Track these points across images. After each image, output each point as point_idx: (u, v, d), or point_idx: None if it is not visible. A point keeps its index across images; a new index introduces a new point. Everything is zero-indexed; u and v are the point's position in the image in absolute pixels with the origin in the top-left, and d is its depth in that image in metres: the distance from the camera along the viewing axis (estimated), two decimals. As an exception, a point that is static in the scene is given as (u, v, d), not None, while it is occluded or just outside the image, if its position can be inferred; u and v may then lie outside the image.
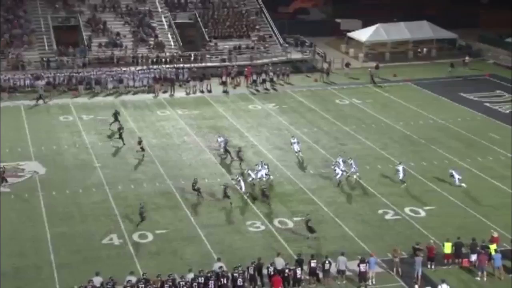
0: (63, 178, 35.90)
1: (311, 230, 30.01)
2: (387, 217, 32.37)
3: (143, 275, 25.70)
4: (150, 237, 30.12)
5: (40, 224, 30.95)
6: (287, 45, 61.74)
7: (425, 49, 64.35)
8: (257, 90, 53.77)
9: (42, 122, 45.15)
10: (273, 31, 62.95)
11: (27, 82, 51.70)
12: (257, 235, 30.65)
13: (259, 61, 58.25)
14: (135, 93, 52.47)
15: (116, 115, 43.39)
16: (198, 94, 52.82)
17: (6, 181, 33.78)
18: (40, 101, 48.90)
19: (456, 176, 35.36)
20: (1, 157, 38.40)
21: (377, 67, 57.35)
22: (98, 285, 24.92)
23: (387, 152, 40.55)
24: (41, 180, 35.75)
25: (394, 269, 27.56)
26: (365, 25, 67.18)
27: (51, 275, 26.84)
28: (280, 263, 26.70)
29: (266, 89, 53.96)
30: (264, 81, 54.80)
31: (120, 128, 41.40)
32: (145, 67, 55.24)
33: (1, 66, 53.36)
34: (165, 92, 52.58)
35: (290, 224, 31.48)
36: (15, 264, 27.51)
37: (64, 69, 54.05)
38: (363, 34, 64.80)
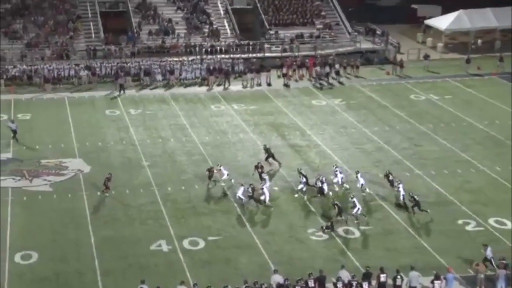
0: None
1: (339, 211, 31.27)
2: (468, 228, 31.66)
3: (194, 285, 25.92)
4: (202, 244, 30.38)
5: (83, 227, 31.63)
6: (356, 33, 61.24)
7: (514, 39, 62.70)
8: (322, 84, 53.51)
9: (87, 116, 46.20)
10: (341, 18, 62.54)
11: (72, 72, 52.98)
12: (319, 244, 30.49)
13: (324, 52, 57.97)
14: (187, 86, 53.06)
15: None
16: (256, 87, 52.96)
17: (108, 188, 34.09)
18: (121, 92, 50.12)
19: None
20: (43, 154, 39.51)
21: (468, 61, 56.07)
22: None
23: (469, 154, 39.67)
24: (85, 179, 36.55)
25: (477, 288, 26.94)
26: (445, 11, 65.92)
27: (94, 282, 27.39)
28: (344, 276, 26.47)
29: (330, 83, 53.63)
30: (329, 74, 54.49)
31: None
32: (198, 57, 55.81)
33: (45, 55, 54.89)
34: (219, 85, 52.97)
35: (357, 234, 31.18)
36: (56, 269, 28.19)
37: (111, 59, 55.16)
38: (443, 22, 63.53)
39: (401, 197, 33.47)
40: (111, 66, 53.91)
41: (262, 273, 27.53)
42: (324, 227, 31.18)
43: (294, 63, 55.43)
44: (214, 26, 59.95)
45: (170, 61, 54.91)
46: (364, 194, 34.54)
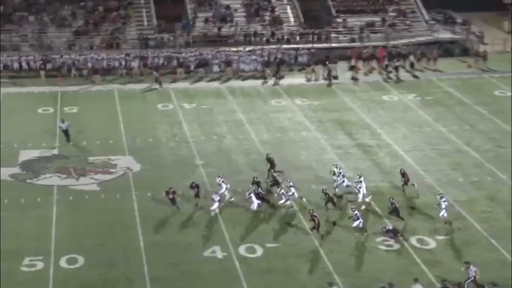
0: (160, 176, 37.07)
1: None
2: (562, 241, 30.89)
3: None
4: (260, 251, 30.48)
5: (132, 230, 32.12)
6: (433, 22, 60.44)
7: None
8: (394, 77, 53.00)
9: (138, 111, 46.94)
10: (417, 5, 61.84)
11: (122, 63, 53.85)
12: (389, 255, 30.23)
13: (397, 42, 57.43)
14: (245, 78, 53.33)
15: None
16: (321, 81, 52.82)
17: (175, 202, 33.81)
18: (157, 85, 50.82)
19: None
20: (91, 150, 40.33)
21: None
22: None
23: (561, 158, 38.73)
24: (135, 178, 37.14)
25: None
26: (536, -4, 64.47)
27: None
28: (416, 290, 26.23)
29: (403, 77, 53.10)
30: (403, 66, 53.91)
31: None
32: (258, 47, 55.98)
33: (94, 44, 55.98)
34: (281, 77, 53.01)
35: (432, 244, 30.78)
36: (102, 275, 28.70)
37: (164, 49, 55.83)
38: (533, 8, 62.17)
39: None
40: (165, 56, 54.57)
41: (324, 285, 27.43)
42: (386, 230, 31.18)
43: (364, 54, 55.04)
44: (276, 13, 60.04)
45: (227, 51, 55.26)
46: (364, 202, 33.80)
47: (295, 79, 52.90)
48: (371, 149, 40.80)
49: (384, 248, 30.64)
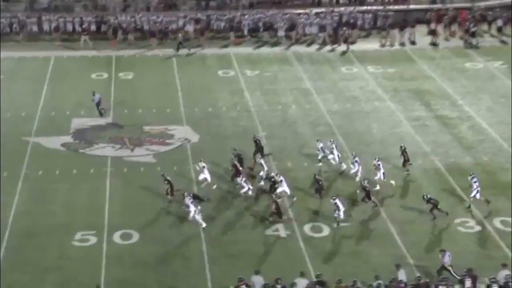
0: (219, 148, 37.29)
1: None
2: None
3: (317, 277, 26.15)
4: (326, 230, 30.52)
5: (189, 205, 32.52)
6: (523, -19, 58.94)
7: None
8: (478, 43, 52.01)
9: (197, 77, 47.26)
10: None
11: (180, 25, 54.05)
12: (469, 237, 29.91)
13: (483, 4, 56.28)
14: (310, 44, 53.01)
15: None
16: (397, 46, 52.23)
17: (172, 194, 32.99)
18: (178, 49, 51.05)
19: None
20: (147, 119, 40.83)
21: None
22: (257, 286, 25.70)
23: None
24: (193, 149, 37.47)
25: None
26: None
27: (201, 269, 28.13)
28: (502, 276, 25.87)
29: (475, 45, 52.19)
30: (485, 31, 52.87)
31: None
32: (328, 9, 55.53)
33: (151, 5, 56.39)
34: (351, 43, 52.60)
35: (517, 227, 30.38)
36: (157, 252, 29.08)
37: (226, 10, 55.88)
38: None
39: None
40: (226, 18, 54.63)
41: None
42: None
43: (445, 17, 54.13)
44: (348, -28, 59.43)
45: (294, 13, 54.99)
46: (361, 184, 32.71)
47: (368, 45, 52.42)
48: (451, 121, 40.24)
49: (464, 230, 30.31)
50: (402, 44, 52.25)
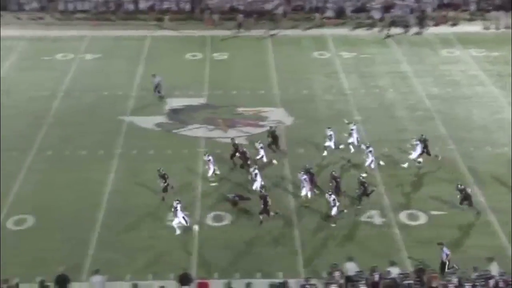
0: (314, 132, 37.16)
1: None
2: None
3: (418, 264, 25.95)
4: (423, 218, 30.13)
5: (281, 189, 32.44)
6: None
7: None
8: None
9: (292, 58, 47.25)
10: None
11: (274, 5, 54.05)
12: None
13: None
14: (406, 26, 52.16)
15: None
16: (503, 29, 50.93)
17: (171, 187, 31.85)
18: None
19: None
20: (240, 100, 41.05)
21: None
22: (351, 273, 25.58)
23: None
24: (287, 132, 37.49)
25: None
26: None
27: (292, 253, 28.14)
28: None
29: None
30: None
31: None
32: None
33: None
34: (454, 24, 51.57)
35: None
36: (249, 235, 29.23)
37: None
38: None
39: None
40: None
41: (497, 260, 26.63)
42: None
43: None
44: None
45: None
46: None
47: (471, 27, 51.28)
48: (557, 108, 39.08)
49: None
50: (508, 27, 50.84)
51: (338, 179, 31.33)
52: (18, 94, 41.90)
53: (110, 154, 35.12)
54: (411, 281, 24.90)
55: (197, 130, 37.96)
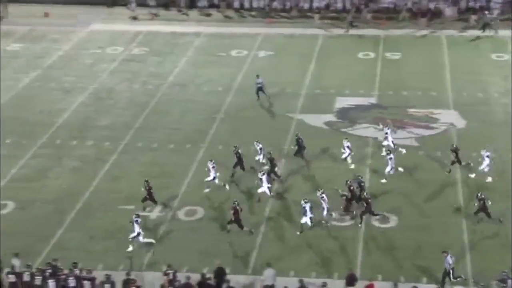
0: (487, 136, 36.32)
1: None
2: None
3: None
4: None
5: (451, 191, 32.04)
6: None
7: None
8: None
9: (467, 60, 46.40)
10: None
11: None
12: None
13: None
14: None
15: None
16: None
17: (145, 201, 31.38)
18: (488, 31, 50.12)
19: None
20: (411, 101, 40.76)
21: None
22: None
23: None
24: (459, 135, 36.89)
25: None
26: None
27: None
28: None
29: None
30: None
31: None
32: None
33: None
34: None
35: None
36: (415, 239, 28.98)
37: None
38: None
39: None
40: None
41: None
42: None
43: None
44: None
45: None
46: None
47: None
48: None
49: None
50: None
51: (352, 187, 30.70)
52: (193, 88, 43.58)
53: (278, 151, 35.50)
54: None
55: (365, 130, 38.02)
